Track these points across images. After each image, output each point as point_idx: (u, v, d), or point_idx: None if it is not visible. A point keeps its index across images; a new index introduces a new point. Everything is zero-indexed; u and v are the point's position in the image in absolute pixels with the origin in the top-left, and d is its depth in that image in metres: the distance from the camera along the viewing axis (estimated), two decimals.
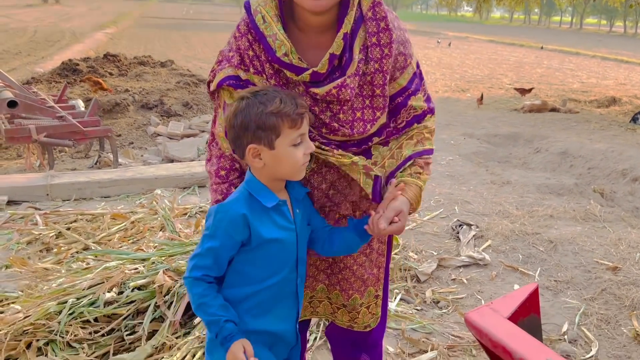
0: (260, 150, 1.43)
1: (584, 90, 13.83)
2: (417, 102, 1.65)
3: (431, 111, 1.70)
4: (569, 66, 20.93)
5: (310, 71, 1.49)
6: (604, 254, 3.61)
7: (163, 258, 2.97)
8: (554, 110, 10.52)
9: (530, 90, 12.21)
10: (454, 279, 3.51)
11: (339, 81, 1.49)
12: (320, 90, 1.51)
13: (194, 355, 2.43)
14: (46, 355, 2.47)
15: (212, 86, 1.61)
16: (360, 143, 1.61)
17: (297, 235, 1.53)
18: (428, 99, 1.70)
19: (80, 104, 6.91)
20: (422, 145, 1.67)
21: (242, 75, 1.54)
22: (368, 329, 1.87)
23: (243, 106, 1.41)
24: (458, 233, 4.10)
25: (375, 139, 1.63)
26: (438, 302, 3.27)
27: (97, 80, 8.84)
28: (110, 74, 10.18)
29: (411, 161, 1.65)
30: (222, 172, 1.64)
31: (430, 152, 1.68)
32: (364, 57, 1.53)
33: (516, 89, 12.45)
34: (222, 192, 1.64)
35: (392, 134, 1.66)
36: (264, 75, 1.53)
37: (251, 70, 1.53)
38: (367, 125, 1.57)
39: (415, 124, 1.67)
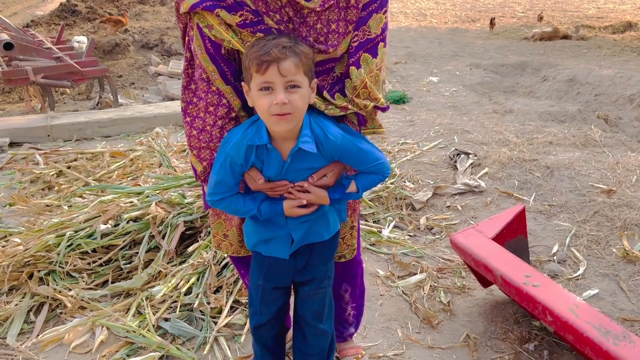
0: (246, 89, 1.48)
1: (600, 17, 13.31)
2: (375, 22, 1.57)
3: (383, 40, 1.62)
4: None
5: None
6: (600, 177, 3.58)
7: (157, 191, 3.02)
8: (565, 37, 10.18)
9: (541, 14, 11.91)
10: (448, 207, 3.53)
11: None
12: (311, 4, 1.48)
13: (188, 281, 2.52)
14: (48, 285, 2.57)
15: (184, 7, 1.47)
16: (328, 65, 1.60)
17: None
18: (385, 26, 1.61)
19: (84, 40, 6.86)
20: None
21: None
22: (343, 260, 1.91)
23: (250, 43, 1.46)
24: (455, 162, 4.09)
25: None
26: (431, 228, 3.31)
27: (117, 19, 8.66)
28: (110, 14, 10.01)
29: None
30: (220, 123, 1.60)
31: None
32: None
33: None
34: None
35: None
36: None
37: None
38: (340, 38, 1.55)
39: (371, 57, 1.58)
